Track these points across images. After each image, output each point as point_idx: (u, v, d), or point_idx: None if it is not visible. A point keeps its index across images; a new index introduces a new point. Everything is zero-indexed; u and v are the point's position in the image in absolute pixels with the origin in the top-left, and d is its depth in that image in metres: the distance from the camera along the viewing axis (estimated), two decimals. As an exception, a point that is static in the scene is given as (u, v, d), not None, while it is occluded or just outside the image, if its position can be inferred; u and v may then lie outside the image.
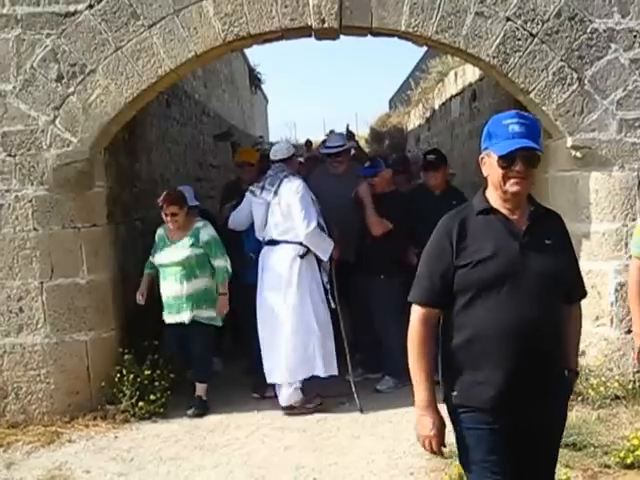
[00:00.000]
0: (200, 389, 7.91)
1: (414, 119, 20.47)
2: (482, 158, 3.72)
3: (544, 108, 7.34)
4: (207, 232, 7.85)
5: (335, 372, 7.79)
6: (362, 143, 23.97)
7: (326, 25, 7.32)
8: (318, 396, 7.87)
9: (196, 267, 7.77)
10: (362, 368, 8.70)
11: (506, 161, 3.58)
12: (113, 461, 6.71)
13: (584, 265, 7.22)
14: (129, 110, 7.70)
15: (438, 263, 3.72)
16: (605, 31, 7.29)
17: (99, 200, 7.80)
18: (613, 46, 7.29)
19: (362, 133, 29.04)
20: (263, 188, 7.99)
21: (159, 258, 7.87)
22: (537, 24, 7.28)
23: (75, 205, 7.55)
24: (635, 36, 7.28)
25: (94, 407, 7.65)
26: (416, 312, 3.83)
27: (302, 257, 7.72)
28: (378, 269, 8.21)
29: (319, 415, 7.64)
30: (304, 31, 7.51)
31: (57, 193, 7.49)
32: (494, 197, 3.71)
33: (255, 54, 55.06)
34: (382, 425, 7.30)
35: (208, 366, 8.09)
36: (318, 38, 7.72)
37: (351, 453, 6.68)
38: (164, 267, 7.83)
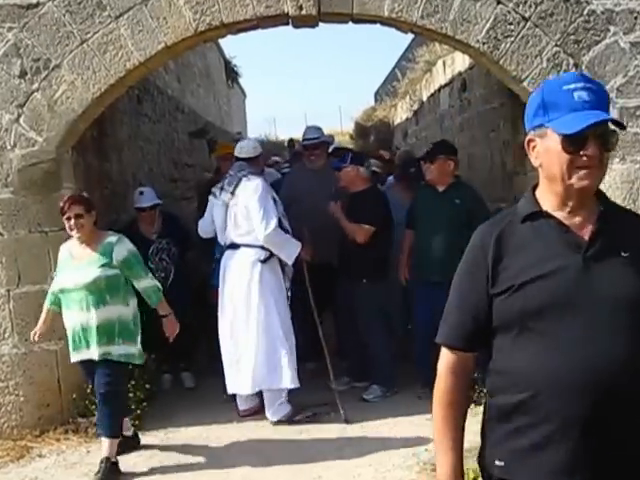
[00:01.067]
0: (107, 447, 6.66)
1: (401, 112, 20.29)
2: (530, 141, 2.87)
3: None
4: (124, 248, 6.74)
5: (297, 384, 7.74)
6: (346, 138, 23.97)
7: (304, 12, 7.29)
8: (306, 408, 7.86)
9: (106, 291, 6.62)
10: (348, 376, 8.69)
11: (575, 143, 2.67)
12: (85, 477, 6.68)
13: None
14: (97, 106, 7.68)
15: (470, 291, 2.89)
16: (603, 13, 7.23)
17: (67, 202, 7.72)
18: (612, 29, 7.23)
19: (346, 128, 29.01)
20: (222, 189, 7.94)
21: (61, 281, 6.76)
22: (530, 7, 7.24)
23: (42, 208, 7.50)
24: (636, 17, 7.21)
25: (65, 420, 7.64)
26: (444, 357, 2.99)
27: (264, 262, 7.66)
28: (361, 272, 8.19)
29: (302, 427, 7.61)
30: (281, 19, 7.51)
31: (23, 196, 7.47)
32: (548, 196, 2.85)
33: (231, 46, 54.90)
34: (369, 437, 7.28)
35: (118, 415, 6.85)
36: (296, 26, 7.72)
37: (336, 467, 6.66)
38: (67, 292, 6.70)
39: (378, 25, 7.72)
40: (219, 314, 7.85)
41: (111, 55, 7.37)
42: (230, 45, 48.52)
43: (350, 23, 7.72)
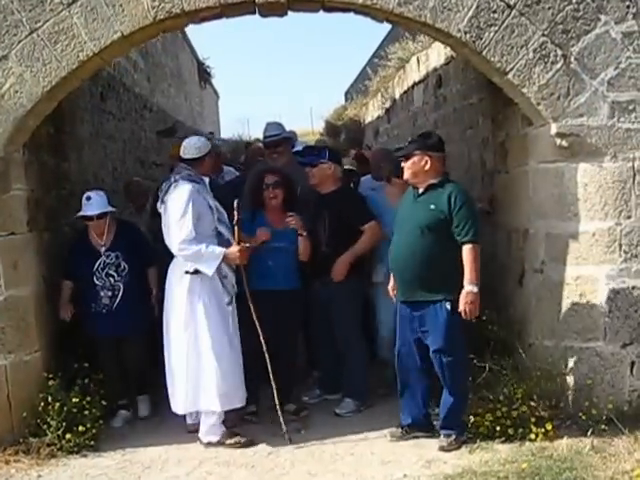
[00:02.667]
0: None
1: (372, 111, 20.02)
2: None
3: (524, 90, 6.73)
4: None
5: (239, 404, 7.07)
6: (317, 137, 23.55)
7: (271, -1, 6.65)
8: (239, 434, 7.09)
9: None
10: (320, 389, 8.05)
11: None
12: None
13: (571, 270, 6.68)
14: (48, 101, 6.97)
15: None
16: (594, 0, 6.64)
17: (17, 205, 7.05)
18: (603, 18, 6.65)
19: (318, 128, 28.62)
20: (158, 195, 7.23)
21: None
22: (515, -6, 6.65)
23: None
24: (628, 6, 6.64)
25: (16, 440, 6.87)
26: None
27: (193, 273, 6.90)
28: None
29: (270, 448, 6.88)
30: (246, 7, 6.83)
31: None
32: None
33: (204, 47, 54.33)
34: (342, 459, 6.56)
35: None
36: (263, 15, 7.06)
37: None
38: None
39: (352, 14, 7.08)
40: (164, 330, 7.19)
41: (63, 46, 6.67)
42: (203, 46, 47.98)
43: (321, 12, 7.08)
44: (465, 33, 6.67)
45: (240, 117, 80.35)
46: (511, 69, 6.69)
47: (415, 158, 6.52)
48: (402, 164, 6.62)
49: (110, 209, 7.60)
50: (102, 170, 10.36)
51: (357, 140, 20.98)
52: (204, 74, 26.04)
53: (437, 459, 6.32)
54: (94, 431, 6.97)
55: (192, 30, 22.28)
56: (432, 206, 6.39)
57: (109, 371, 7.63)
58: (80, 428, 6.86)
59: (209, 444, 6.97)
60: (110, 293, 7.58)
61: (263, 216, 7.52)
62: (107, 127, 10.95)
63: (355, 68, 47.34)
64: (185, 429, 7.31)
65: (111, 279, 7.59)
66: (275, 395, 6.96)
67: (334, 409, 7.62)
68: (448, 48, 8.91)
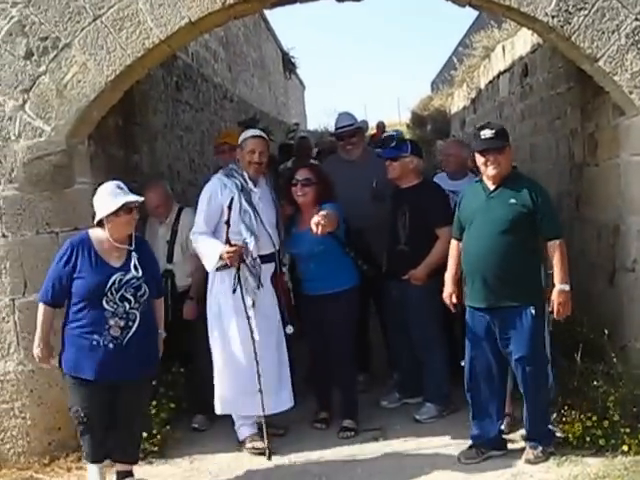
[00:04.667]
0: None
1: (458, 101, 19.87)
2: None
3: (616, 78, 6.26)
4: None
5: (246, 412, 6.74)
6: (404, 129, 23.38)
7: (347, -20, 6.33)
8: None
9: None
10: (399, 392, 7.58)
11: None
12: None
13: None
14: (113, 91, 6.69)
15: None
16: (691, -19, 6.14)
17: (82, 199, 6.68)
18: None
19: (405, 119, 28.36)
20: None
21: None
22: (607, -26, 6.12)
23: (52, 206, 6.60)
24: None
25: (78, 446, 6.43)
26: None
27: (218, 270, 6.60)
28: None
29: (347, 456, 6.49)
30: (319, -12, 6.48)
31: (29, 192, 6.58)
32: None
33: (288, 38, 54.47)
34: (423, 470, 6.11)
35: None
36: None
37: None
38: None
39: None
40: None
41: (128, 33, 6.41)
42: (289, 37, 48.15)
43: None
44: (552, 17, 6.24)
45: (326, 108, 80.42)
46: (602, 55, 6.27)
47: (506, 153, 5.99)
48: (482, 159, 6.02)
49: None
50: (178, 162, 10.13)
51: (443, 131, 20.88)
52: (289, 64, 25.96)
53: (523, 472, 5.89)
54: (159, 437, 6.65)
55: (276, 20, 22.19)
56: (512, 200, 5.86)
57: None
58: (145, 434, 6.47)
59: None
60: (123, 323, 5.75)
61: (298, 215, 7.07)
62: (183, 118, 10.71)
63: (442, 57, 46.88)
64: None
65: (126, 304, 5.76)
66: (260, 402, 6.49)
67: (414, 414, 7.18)
68: (535, 35, 8.52)
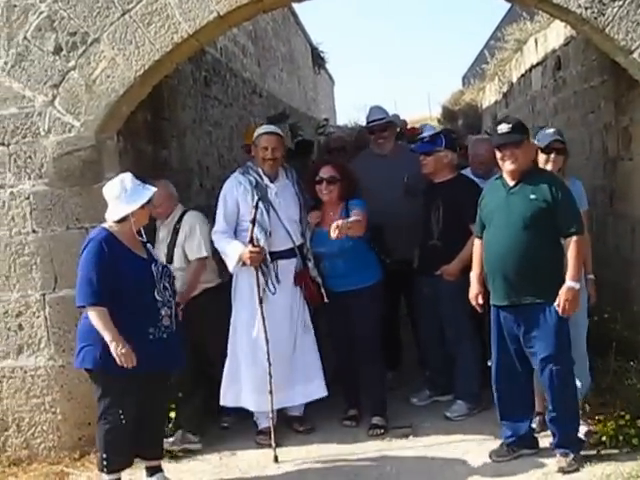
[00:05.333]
0: None
1: (489, 95, 19.73)
2: None
3: None
4: None
5: (247, 406, 6.86)
6: (435, 124, 23.22)
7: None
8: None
9: None
10: (429, 390, 7.55)
11: None
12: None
13: None
14: (142, 86, 6.75)
15: None
16: None
17: (111, 195, 6.72)
18: None
19: (435, 114, 28.23)
20: None
21: None
22: (642, -37, 6.04)
23: (81, 201, 6.68)
24: None
25: (108, 442, 6.62)
26: None
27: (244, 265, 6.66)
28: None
29: (376, 453, 6.48)
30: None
31: (59, 188, 6.67)
32: None
33: (317, 33, 54.46)
34: (452, 468, 6.11)
35: None
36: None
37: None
38: None
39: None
40: None
41: (156, 27, 6.46)
42: (316, 32, 47.92)
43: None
44: (586, 9, 6.19)
45: (356, 104, 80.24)
46: (637, 47, 6.21)
47: (526, 147, 5.89)
48: (499, 154, 5.99)
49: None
50: (207, 157, 10.09)
51: (475, 126, 20.65)
52: (318, 59, 25.82)
53: (554, 471, 5.79)
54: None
55: (305, 14, 22.16)
56: (532, 196, 5.77)
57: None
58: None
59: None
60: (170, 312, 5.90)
61: (321, 212, 7.05)
62: (212, 113, 10.65)
63: (473, 51, 46.69)
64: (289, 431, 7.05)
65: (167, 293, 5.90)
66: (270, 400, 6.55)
67: (444, 412, 7.15)
68: (568, 27, 8.49)
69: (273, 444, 6.51)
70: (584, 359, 6.18)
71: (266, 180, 6.76)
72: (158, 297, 5.70)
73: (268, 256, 6.63)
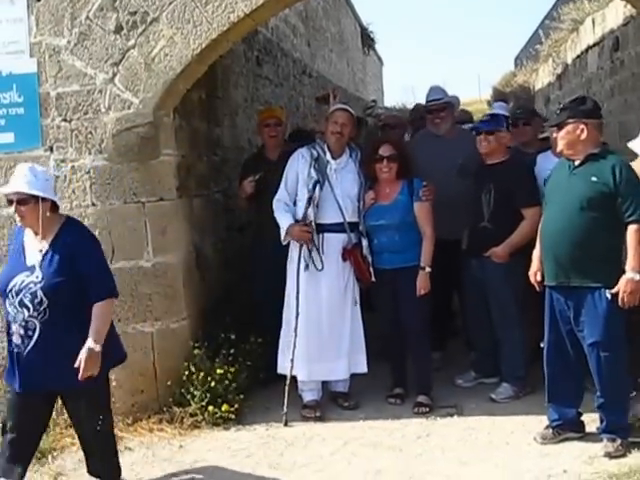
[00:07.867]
0: None
1: (543, 77, 19.60)
2: None
3: None
4: None
5: (285, 373, 7.11)
6: (484, 106, 23.16)
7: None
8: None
9: None
10: (475, 371, 7.72)
11: None
12: (174, 478, 6.08)
13: None
14: (198, 64, 6.98)
15: None
16: None
17: (167, 170, 7.10)
18: None
19: (485, 96, 28.16)
20: None
21: None
22: None
23: (138, 176, 6.93)
24: None
25: (160, 409, 6.98)
26: None
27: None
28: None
29: (421, 430, 6.68)
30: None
31: (118, 163, 6.91)
32: None
33: (369, 13, 54.15)
34: (497, 448, 6.23)
35: None
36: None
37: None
38: None
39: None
40: None
41: (214, 6, 6.65)
42: (368, 12, 47.64)
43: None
44: (646, -13, 6.26)
45: (405, 85, 79.81)
46: None
47: (569, 127, 5.91)
48: (554, 134, 6.23)
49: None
50: (257, 136, 10.26)
51: (526, 108, 20.26)
52: (367, 40, 25.91)
53: (600, 455, 5.84)
54: (236, 405, 6.95)
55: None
56: (594, 178, 5.79)
57: None
58: (220, 400, 6.87)
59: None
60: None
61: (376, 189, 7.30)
62: (263, 92, 10.96)
63: (527, 32, 46.28)
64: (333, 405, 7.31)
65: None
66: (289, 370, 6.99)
67: (490, 394, 7.28)
68: (627, 7, 8.54)
69: (285, 409, 6.89)
70: None
71: (328, 156, 7.10)
72: (10, 310, 5.26)
73: (314, 226, 7.00)
